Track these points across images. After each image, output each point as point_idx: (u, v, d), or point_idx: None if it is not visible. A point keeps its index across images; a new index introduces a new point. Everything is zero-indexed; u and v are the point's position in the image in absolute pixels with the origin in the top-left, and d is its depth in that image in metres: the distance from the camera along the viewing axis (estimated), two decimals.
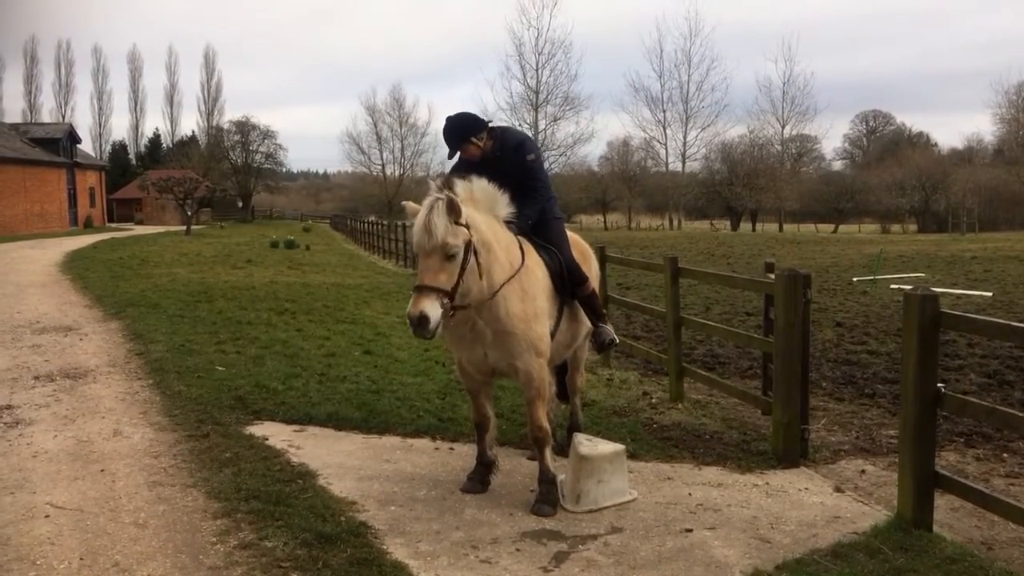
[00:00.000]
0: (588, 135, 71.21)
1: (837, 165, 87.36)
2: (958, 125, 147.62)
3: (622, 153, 74.49)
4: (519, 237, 4.87)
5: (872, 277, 18.54)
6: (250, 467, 5.31)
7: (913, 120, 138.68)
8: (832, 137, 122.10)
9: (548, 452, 4.89)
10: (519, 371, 4.71)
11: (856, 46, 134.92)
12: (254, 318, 11.79)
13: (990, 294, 15.47)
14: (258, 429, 6.26)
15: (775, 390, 5.83)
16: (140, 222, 61.27)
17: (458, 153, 5.09)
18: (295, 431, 6.26)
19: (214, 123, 78.56)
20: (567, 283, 5.12)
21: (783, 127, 74.61)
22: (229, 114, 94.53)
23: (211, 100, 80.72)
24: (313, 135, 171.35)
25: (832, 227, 67.23)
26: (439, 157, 70.02)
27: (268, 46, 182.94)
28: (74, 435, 6.14)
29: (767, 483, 5.24)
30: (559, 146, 69.49)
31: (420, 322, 4.10)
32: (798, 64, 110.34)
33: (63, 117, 75.37)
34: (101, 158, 70.02)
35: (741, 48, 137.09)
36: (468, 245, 4.28)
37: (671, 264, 7.52)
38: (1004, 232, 49.47)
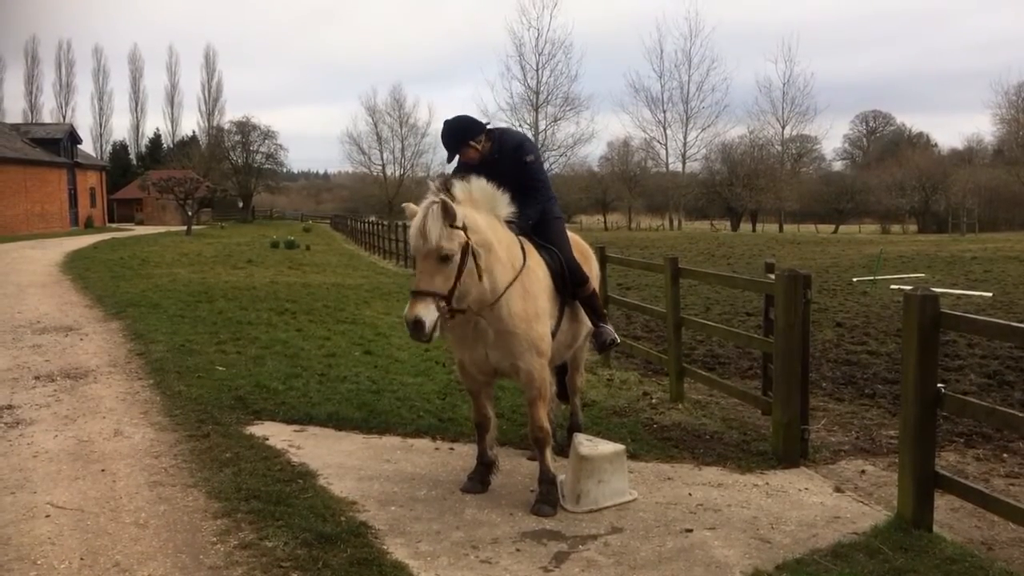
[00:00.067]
0: (588, 135, 71.62)
1: (837, 165, 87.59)
2: (958, 125, 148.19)
3: (622, 153, 74.59)
4: (520, 237, 4.87)
5: (872, 277, 18.53)
6: (250, 467, 5.32)
7: (913, 120, 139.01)
8: (832, 137, 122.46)
9: (548, 452, 4.89)
10: (520, 371, 4.71)
11: (856, 46, 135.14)
12: (254, 318, 11.79)
13: (990, 294, 15.47)
14: (258, 429, 6.27)
15: (775, 390, 5.83)
16: (141, 222, 61.28)
17: (457, 157, 5.09)
18: (295, 431, 6.27)
19: (215, 123, 78.79)
20: (568, 283, 5.13)
21: (783, 127, 74.80)
22: (229, 114, 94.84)
23: (211, 100, 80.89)
24: (313, 135, 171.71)
25: (832, 227, 67.27)
26: (439, 157, 69.87)
27: (268, 46, 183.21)
28: (75, 435, 6.14)
29: (767, 483, 5.24)
30: (559, 146, 69.76)
31: (416, 326, 4.12)
32: (798, 64, 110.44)
33: (64, 117, 75.48)
34: (102, 158, 70.01)
35: (741, 48, 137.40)
36: (465, 248, 4.28)
37: (671, 264, 7.52)
38: (1004, 232, 49.50)
